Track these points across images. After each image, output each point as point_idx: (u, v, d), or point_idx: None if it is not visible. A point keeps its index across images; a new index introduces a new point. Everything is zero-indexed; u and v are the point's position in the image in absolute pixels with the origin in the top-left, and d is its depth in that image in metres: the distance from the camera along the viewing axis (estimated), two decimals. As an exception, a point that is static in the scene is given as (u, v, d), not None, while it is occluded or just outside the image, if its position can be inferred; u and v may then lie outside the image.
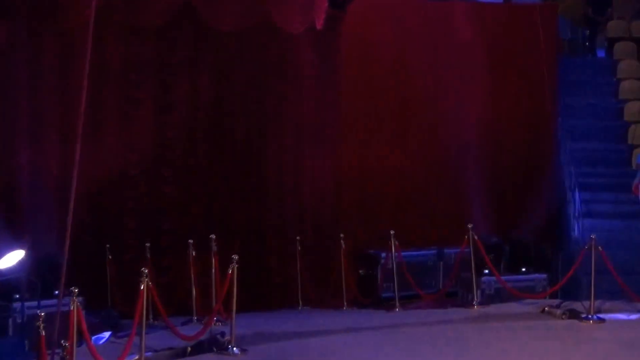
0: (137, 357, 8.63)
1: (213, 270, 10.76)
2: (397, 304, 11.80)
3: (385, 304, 12.17)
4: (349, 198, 13.15)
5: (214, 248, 10.71)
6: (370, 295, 12.41)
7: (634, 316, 11.17)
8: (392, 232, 11.99)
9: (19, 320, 10.34)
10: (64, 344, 7.45)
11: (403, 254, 12.18)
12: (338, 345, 10.13)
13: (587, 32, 17.25)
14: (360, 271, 13.07)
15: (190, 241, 11.07)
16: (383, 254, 12.60)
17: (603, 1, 16.86)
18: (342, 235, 12.18)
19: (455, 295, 12.45)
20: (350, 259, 12.44)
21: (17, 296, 10.45)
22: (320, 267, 12.75)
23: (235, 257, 9.32)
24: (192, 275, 11.18)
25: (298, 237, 12.41)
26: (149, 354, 9.22)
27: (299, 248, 12.38)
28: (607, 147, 14.98)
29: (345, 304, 12.21)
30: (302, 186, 12.96)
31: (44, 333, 7.25)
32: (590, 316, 10.66)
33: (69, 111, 10.84)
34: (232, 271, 9.54)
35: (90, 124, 10.40)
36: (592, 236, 10.94)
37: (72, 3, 10.88)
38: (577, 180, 13.93)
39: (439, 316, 11.63)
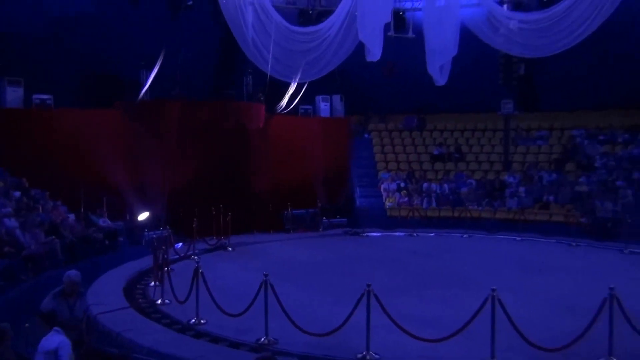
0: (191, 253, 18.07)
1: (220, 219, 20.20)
2: (292, 230, 23.66)
3: (289, 230, 23.73)
4: (279, 192, 23.83)
5: (221, 211, 20.13)
6: (283, 227, 23.86)
7: (378, 233, 23.61)
8: (289, 203, 23.54)
9: (146, 239, 19.41)
10: (164, 248, 14.40)
11: (295, 211, 24.02)
12: (272, 246, 20.93)
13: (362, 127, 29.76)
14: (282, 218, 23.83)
15: (213, 208, 20.08)
16: (286, 212, 23.84)
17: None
18: (270, 205, 23.38)
19: (316, 227, 24.09)
20: (276, 213, 23.83)
21: (146, 230, 20.11)
22: (265, 217, 23.47)
23: (229, 213, 19.82)
24: (213, 222, 20.17)
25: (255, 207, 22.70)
26: (197, 250, 18.77)
27: (256, 211, 22.97)
28: (366, 173, 27.68)
29: (272, 230, 23.44)
30: (259, 189, 23.55)
31: (156, 243, 15.41)
32: (363, 234, 23.47)
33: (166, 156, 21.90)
34: (229, 217, 20.09)
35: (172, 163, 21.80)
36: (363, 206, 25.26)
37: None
38: (357, 184, 26.99)
39: (308, 235, 23.36)
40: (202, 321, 11.25)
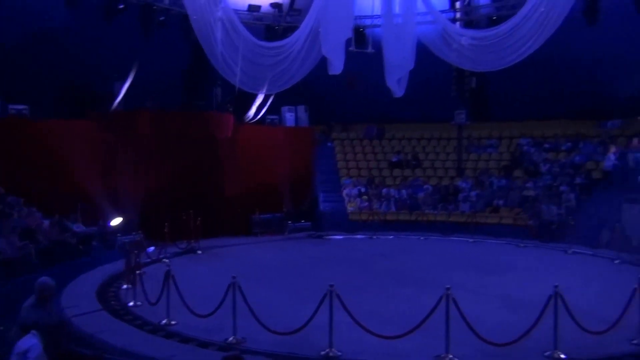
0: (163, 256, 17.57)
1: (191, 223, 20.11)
2: (259, 234, 23.69)
3: (257, 234, 23.72)
4: (247, 197, 23.56)
5: (191, 216, 20.10)
6: (251, 231, 23.83)
7: (340, 236, 23.63)
8: (256, 208, 23.62)
9: (119, 243, 18.79)
10: (136, 252, 14.27)
11: (262, 215, 24.07)
12: (239, 249, 20.87)
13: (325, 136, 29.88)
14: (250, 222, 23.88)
15: (183, 213, 19.91)
16: (254, 216, 23.92)
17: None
18: (238, 210, 23.21)
19: (282, 231, 24.00)
20: (244, 217, 23.80)
21: (119, 234, 19.40)
22: (234, 222, 23.16)
23: (199, 218, 20.02)
24: (184, 227, 19.87)
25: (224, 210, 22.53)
26: (168, 254, 18.32)
27: (225, 216, 22.66)
28: (329, 179, 27.65)
29: (240, 234, 23.17)
30: (228, 195, 23.34)
31: (128, 247, 15.46)
32: (326, 237, 23.51)
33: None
34: (199, 221, 20.20)
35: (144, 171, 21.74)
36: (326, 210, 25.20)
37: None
38: (320, 189, 26.90)
39: (274, 238, 23.29)
40: (172, 322, 11.14)
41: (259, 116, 26.37)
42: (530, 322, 9.41)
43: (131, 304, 12.74)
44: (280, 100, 26.25)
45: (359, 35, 22.91)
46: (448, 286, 9.29)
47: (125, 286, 13.98)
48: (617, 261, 17.76)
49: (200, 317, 10.80)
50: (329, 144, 29.80)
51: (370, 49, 21.55)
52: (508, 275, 16.03)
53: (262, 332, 10.10)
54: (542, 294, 9.74)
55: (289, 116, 28.40)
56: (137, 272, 13.41)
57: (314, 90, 27.29)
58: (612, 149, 23.67)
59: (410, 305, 12.38)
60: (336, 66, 16.66)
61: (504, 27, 16.53)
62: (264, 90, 20.15)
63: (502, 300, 13.14)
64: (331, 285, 9.62)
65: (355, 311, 9.89)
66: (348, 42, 18.03)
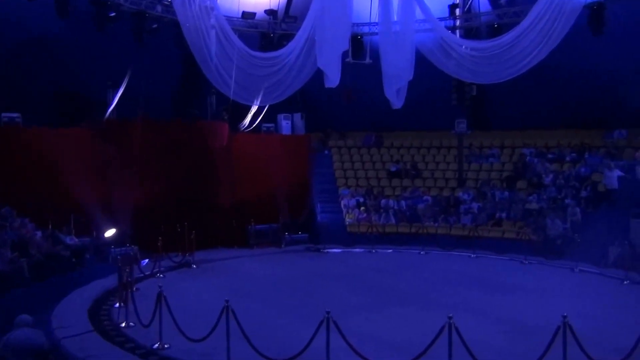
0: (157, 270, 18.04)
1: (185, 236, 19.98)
2: (255, 246, 23.50)
3: (252, 246, 23.48)
4: (243, 208, 23.43)
5: (186, 228, 20.06)
6: (247, 243, 23.65)
7: (338, 250, 23.43)
8: (252, 219, 23.47)
9: (112, 256, 18.69)
10: (128, 270, 13.65)
11: (258, 226, 23.88)
12: (235, 263, 20.74)
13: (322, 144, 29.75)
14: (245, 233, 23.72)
15: (178, 225, 20.08)
16: (250, 227, 23.73)
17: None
18: (234, 221, 22.98)
19: (278, 243, 23.96)
20: (239, 228, 23.55)
21: (112, 246, 19.67)
22: (229, 233, 23.06)
23: (194, 231, 19.82)
24: (178, 239, 19.87)
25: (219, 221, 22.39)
26: (162, 268, 18.59)
27: (220, 227, 22.54)
28: (327, 189, 27.47)
29: (235, 246, 23.06)
30: (223, 205, 23.11)
31: (121, 263, 13.99)
32: (324, 250, 23.29)
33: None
34: (193, 234, 19.95)
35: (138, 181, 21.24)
36: (324, 222, 25.31)
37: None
38: (317, 199, 26.58)
39: (271, 251, 23.14)
40: (165, 346, 10.98)
41: (254, 124, 26.19)
42: (537, 349, 9.19)
43: (123, 324, 12.56)
44: (276, 108, 25.96)
45: (356, 45, 22.90)
46: (450, 315, 9.06)
47: (117, 304, 13.81)
48: (626, 282, 17.15)
49: (194, 341, 10.65)
50: (326, 152, 29.63)
51: (367, 60, 21.44)
52: (513, 296, 15.71)
53: (258, 358, 9.92)
54: (548, 318, 9.55)
55: (285, 124, 28.28)
56: (130, 290, 13.32)
57: (310, 98, 27.38)
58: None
59: (411, 327, 12.24)
60: (333, 79, 16.57)
61: (505, 38, 16.45)
62: (258, 102, 20.06)
63: (507, 324, 12.82)
64: (328, 312, 9.42)
65: (353, 335, 9.69)
66: (345, 54, 17.97)
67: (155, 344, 11.08)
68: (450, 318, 8.90)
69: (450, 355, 8.97)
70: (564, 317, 8.98)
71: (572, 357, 9.12)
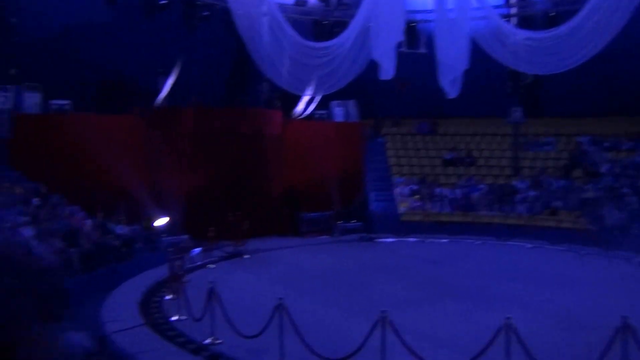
0: (208, 261, 18.28)
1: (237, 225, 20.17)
2: (307, 234, 23.42)
3: (304, 235, 23.50)
4: (295, 195, 23.88)
5: (238, 217, 19.98)
6: (298, 231, 23.74)
7: (391, 239, 23.08)
8: (304, 207, 23.43)
9: (164, 246, 18.50)
10: (179, 262, 14.08)
11: (310, 214, 23.85)
12: (287, 253, 20.56)
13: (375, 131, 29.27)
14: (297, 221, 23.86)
15: (229, 214, 19.94)
16: (302, 215, 23.84)
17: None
18: (286, 209, 23.19)
19: (330, 232, 23.82)
20: (291, 216, 23.73)
21: (164, 234, 19.85)
22: (281, 221, 23.45)
23: (246, 220, 19.95)
24: (230, 228, 20.03)
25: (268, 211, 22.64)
26: (214, 258, 19.07)
27: (272, 215, 22.82)
28: (380, 177, 27.14)
29: (287, 234, 23.30)
30: (275, 193, 23.51)
31: (172, 253, 14.35)
32: (378, 240, 23.09)
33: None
34: (246, 224, 20.38)
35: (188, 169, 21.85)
36: (377, 210, 25.02)
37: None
38: (371, 187, 26.40)
39: (324, 240, 23.16)
40: (217, 341, 10.92)
41: (307, 112, 26.06)
42: (596, 346, 8.78)
43: (174, 318, 12.55)
44: (329, 95, 25.30)
45: (411, 34, 22.48)
46: (509, 316, 8.76)
47: (168, 297, 13.84)
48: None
49: (246, 337, 10.56)
50: (379, 140, 29.23)
51: (422, 50, 21.06)
52: (570, 290, 15.22)
53: (310, 357, 9.78)
54: (607, 314, 9.24)
55: (338, 111, 28.08)
56: (181, 281, 13.30)
57: (363, 85, 26.96)
58: None
59: (466, 324, 11.98)
60: (388, 71, 16.29)
61: (561, 28, 15.87)
62: (311, 92, 19.85)
63: (565, 320, 12.41)
64: (384, 311, 9.22)
65: (407, 331, 9.51)
66: (399, 44, 17.64)
67: (206, 338, 11.02)
68: (509, 318, 8.63)
69: (508, 356, 8.72)
70: (625, 318, 8.61)
71: (634, 358, 8.71)
